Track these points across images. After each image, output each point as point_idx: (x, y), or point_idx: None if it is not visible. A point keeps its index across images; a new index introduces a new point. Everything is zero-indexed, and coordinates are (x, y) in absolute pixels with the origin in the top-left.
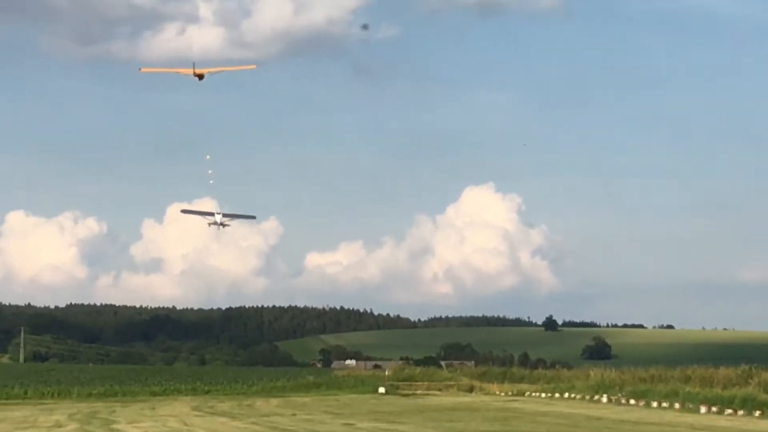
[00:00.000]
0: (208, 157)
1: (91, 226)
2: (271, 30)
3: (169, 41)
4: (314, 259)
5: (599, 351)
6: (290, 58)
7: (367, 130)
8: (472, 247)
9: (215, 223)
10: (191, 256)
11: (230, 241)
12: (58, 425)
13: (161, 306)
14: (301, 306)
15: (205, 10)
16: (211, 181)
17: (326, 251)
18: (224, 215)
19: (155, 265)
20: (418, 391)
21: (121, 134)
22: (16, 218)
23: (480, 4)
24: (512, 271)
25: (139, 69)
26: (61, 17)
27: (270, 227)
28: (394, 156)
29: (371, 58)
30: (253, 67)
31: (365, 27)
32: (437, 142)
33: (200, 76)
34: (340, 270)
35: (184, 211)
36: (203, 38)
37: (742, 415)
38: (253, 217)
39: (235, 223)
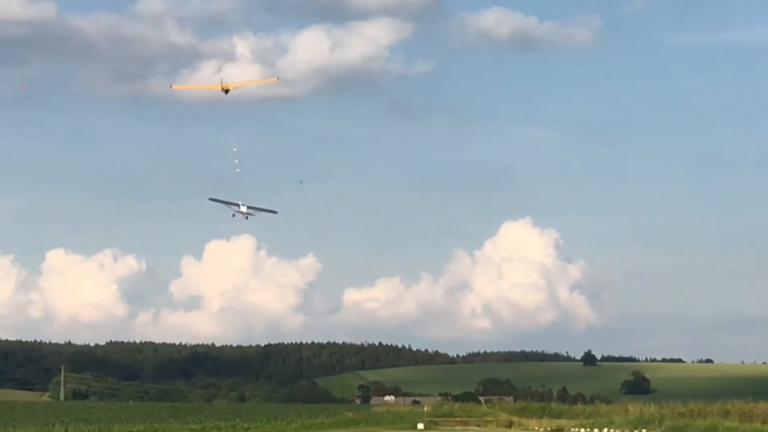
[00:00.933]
0: (234, 149)
1: (130, 264)
2: (307, 67)
3: (206, 79)
4: (352, 295)
5: (638, 386)
6: (327, 94)
7: (404, 166)
8: (510, 282)
9: (240, 212)
10: (230, 293)
11: (269, 277)
12: None
13: (200, 343)
14: (340, 342)
15: (242, 48)
16: (237, 170)
17: (364, 287)
18: (249, 207)
19: (194, 303)
20: (457, 427)
21: (159, 171)
22: (56, 257)
23: (515, 39)
24: (550, 306)
25: (170, 86)
26: (99, 56)
27: (308, 264)
28: (432, 191)
29: (407, 94)
30: (275, 80)
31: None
32: (474, 177)
33: (226, 90)
34: (378, 306)
35: (212, 200)
36: (240, 76)
37: None
38: (275, 212)
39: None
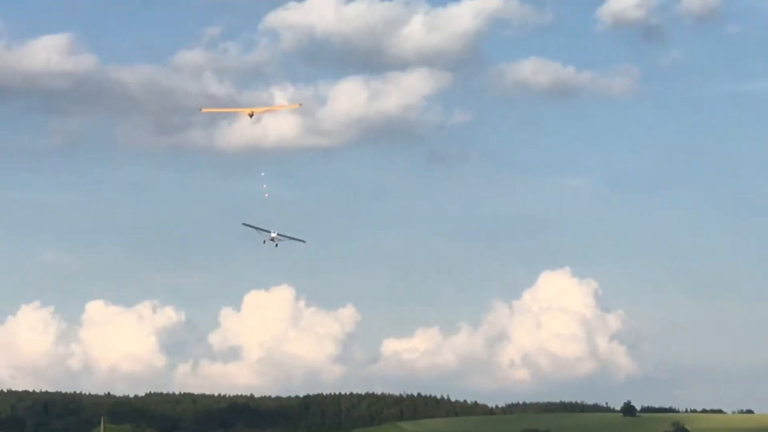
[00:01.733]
0: (263, 174)
1: (169, 315)
2: (346, 117)
3: (245, 129)
4: (391, 346)
5: None
6: (365, 144)
7: (442, 216)
8: (549, 332)
9: (270, 239)
10: (269, 344)
11: (307, 327)
12: None
13: (239, 394)
14: (378, 393)
15: (280, 99)
16: (266, 195)
17: (403, 337)
18: (279, 234)
19: (233, 354)
20: None
21: (198, 222)
22: (95, 308)
23: (553, 88)
24: (590, 357)
25: (200, 109)
26: (139, 108)
27: (346, 314)
28: (470, 241)
29: (445, 144)
30: (298, 105)
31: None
32: (512, 227)
33: (251, 114)
34: (416, 356)
35: (245, 224)
36: (279, 126)
37: None
38: (303, 241)
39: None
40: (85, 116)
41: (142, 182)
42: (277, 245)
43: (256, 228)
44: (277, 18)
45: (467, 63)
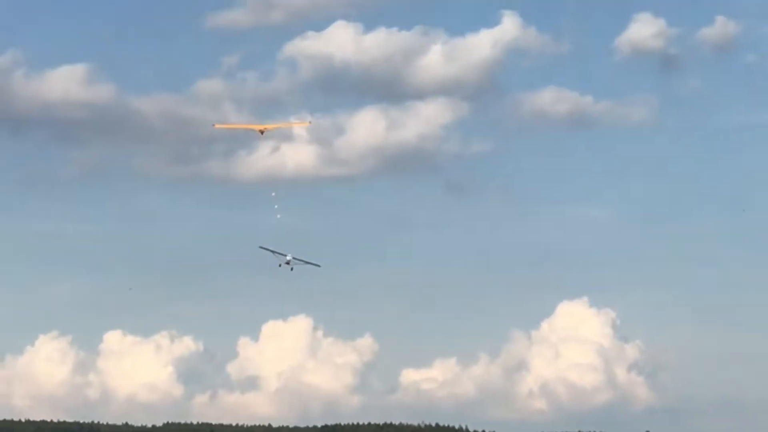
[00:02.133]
0: (273, 194)
1: (187, 345)
2: (364, 146)
3: (263, 159)
4: (409, 376)
5: None
6: (383, 174)
7: (460, 245)
8: (568, 362)
9: (286, 262)
10: (287, 374)
11: (325, 358)
12: None
13: (258, 424)
14: (397, 423)
15: (299, 128)
16: (278, 216)
17: (421, 367)
18: (294, 258)
19: (251, 384)
20: None
21: (215, 252)
22: (113, 338)
23: (571, 118)
24: (608, 387)
25: (213, 125)
26: (157, 138)
27: (365, 344)
28: (487, 271)
29: (463, 174)
30: (308, 123)
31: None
32: (530, 256)
33: (262, 131)
34: (435, 386)
35: (262, 248)
36: (297, 156)
37: None
38: (318, 265)
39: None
40: (103, 146)
41: (160, 211)
42: (292, 269)
43: (273, 251)
44: (295, 47)
45: (485, 92)
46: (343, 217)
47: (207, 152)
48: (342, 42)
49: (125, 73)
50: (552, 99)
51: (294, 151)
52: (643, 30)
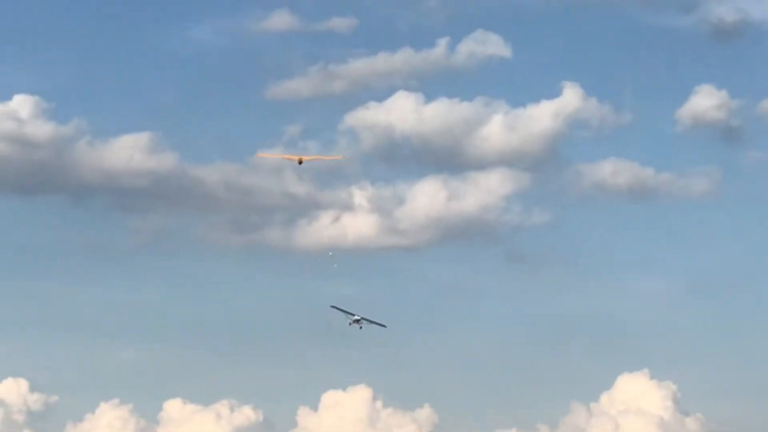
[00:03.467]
0: (330, 253)
1: (247, 414)
2: (424, 217)
3: (323, 228)
4: None
5: None
6: (443, 244)
7: (520, 317)
8: None
9: (355, 321)
10: None
11: (385, 428)
12: None
13: None
14: None
15: (359, 198)
16: (335, 265)
17: None
18: (362, 318)
19: None
20: None
21: (276, 321)
22: (173, 406)
23: (632, 189)
24: None
25: (257, 154)
26: (218, 206)
27: (424, 415)
28: (547, 343)
29: (524, 244)
30: (341, 157)
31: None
32: (590, 328)
33: (300, 161)
34: None
35: (333, 307)
36: (357, 225)
37: None
38: (384, 326)
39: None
40: (165, 214)
41: (220, 279)
42: (361, 327)
43: (344, 311)
44: (357, 117)
45: (546, 163)
46: (403, 287)
47: (268, 221)
48: (403, 112)
49: (187, 143)
50: (613, 170)
51: (355, 221)
52: (705, 101)
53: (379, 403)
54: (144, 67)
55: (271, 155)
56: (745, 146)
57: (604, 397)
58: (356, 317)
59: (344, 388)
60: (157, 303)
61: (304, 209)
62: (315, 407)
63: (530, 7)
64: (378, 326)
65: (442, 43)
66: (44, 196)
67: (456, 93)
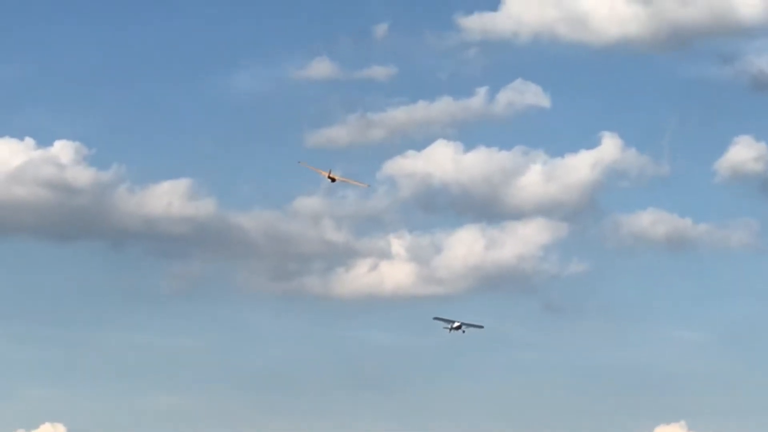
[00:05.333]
0: None
1: None
2: (462, 266)
3: (361, 276)
4: None
5: None
6: (480, 293)
7: (557, 366)
8: None
9: (456, 327)
10: None
11: None
12: None
13: None
14: None
15: (397, 247)
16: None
17: None
18: (463, 323)
19: None
20: None
21: (313, 369)
22: None
23: (670, 240)
24: None
25: (299, 162)
26: (257, 253)
27: None
28: (584, 393)
29: (561, 294)
30: (366, 185)
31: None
32: (628, 379)
33: (333, 179)
34: None
35: (436, 318)
36: (395, 273)
37: None
38: (482, 327)
39: None
40: (204, 261)
41: (258, 327)
42: (464, 331)
43: (445, 319)
44: (395, 166)
45: (584, 213)
46: (440, 336)
47: (306, 269)
48: (442, 161)
49: (226, 189)
50: (651, 221)
51: (392, 269)
52: (744, 153)
53: None
54: (184, 113)
55: (309, 167)
56: None
57: None
58: (456, 323)
59: None
60: (196, 350)
61: (342, 257)
62: None
63: (569, 57)
64: (476, 328)
65: (481, 92)
66: (84, 242)
67: (495, 142)
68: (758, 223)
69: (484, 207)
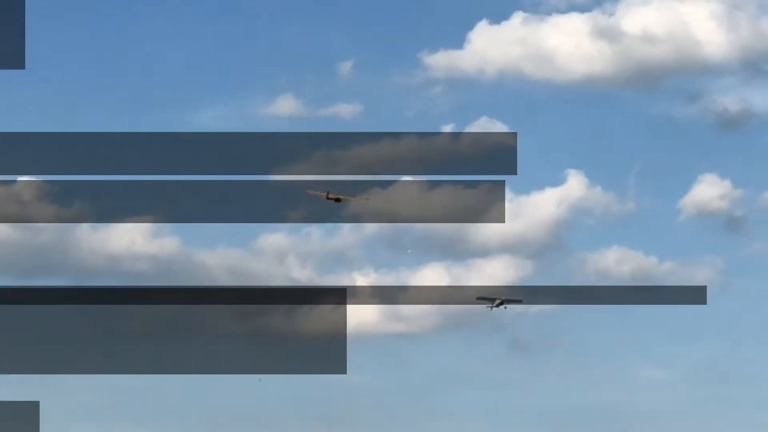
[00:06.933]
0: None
1: None
2: (427, 304)
3: (324, 315)
4: None
5: None
6: (445, 331)
7: (523, 406)
8: None
9: (498, 304)
10: None
11: None
12: None
13: None
14: None
15: (362, 282)
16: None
17: None
18: (504, 299)
19: None
20: None
21: (277, 408)
22: None
23: (635, 277)
24: None
25: (307, 192)
26: (221, 292)
27: None
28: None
29: (526, 333)
30: (368, 199)
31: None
32: (594, 418)
33: (337, 200)
34: None
35: (479, 298)
36: (359, 312)
37: None
38: (521, 301)
39: None
40: (166, 300)
41: (221, 366)
42: (506, 307)
43: (488, 299)
44: (359, 205)
45: (549, 251)
46: (405, 374)
47: (270, 307)
48: (406, 199)
49: (189, 227)
50: (616, 259)
51: (356, 308)
52: (709, 191)
53: None
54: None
55: (314, 192)
56: (749, 236)
57: None
58: (498, 300)
59: None
60: (158, 388)
61: (305, 297)
62: None
63: (534, 95)
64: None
65: (447, 129)
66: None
67: (460, 180)
68: (723, 261)
69: (449, 245)
